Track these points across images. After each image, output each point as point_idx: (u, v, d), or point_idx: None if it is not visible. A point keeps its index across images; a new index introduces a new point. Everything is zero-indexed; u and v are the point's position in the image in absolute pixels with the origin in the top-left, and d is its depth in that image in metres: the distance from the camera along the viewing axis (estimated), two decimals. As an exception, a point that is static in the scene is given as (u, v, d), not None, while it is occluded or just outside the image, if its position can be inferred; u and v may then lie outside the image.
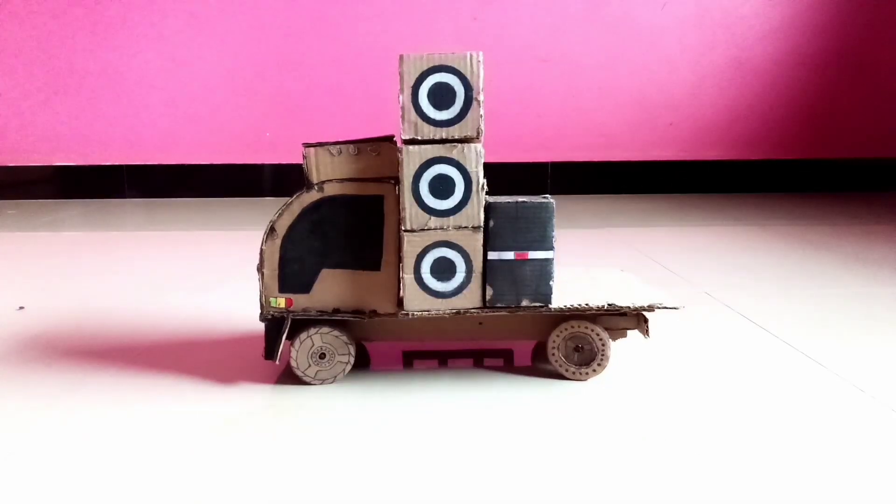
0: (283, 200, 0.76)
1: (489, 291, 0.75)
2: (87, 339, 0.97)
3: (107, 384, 0.80)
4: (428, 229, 0.74)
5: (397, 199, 0.74)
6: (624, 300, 0.78)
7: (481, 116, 0.71)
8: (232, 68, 2.53)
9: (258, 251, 0.76)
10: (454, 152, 0.72)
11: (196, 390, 0.78)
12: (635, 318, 0.81)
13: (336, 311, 0.77)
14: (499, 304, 0.76)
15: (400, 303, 0.77)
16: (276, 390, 0.78)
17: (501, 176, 1.89)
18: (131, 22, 2.50)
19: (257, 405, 0.74)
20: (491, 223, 0.74)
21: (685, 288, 1.22)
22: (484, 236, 0.74)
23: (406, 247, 0.74)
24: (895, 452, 0.64)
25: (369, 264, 0.76)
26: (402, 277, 0.75)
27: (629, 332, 0.82)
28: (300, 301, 0.77)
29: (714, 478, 0.60)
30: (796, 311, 1.08)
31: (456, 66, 0.71)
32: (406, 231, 0.74)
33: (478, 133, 0.72)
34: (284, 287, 0.77)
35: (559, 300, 0.77)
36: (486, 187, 0.73)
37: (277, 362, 0.81)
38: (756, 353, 0.90)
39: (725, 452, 0.64)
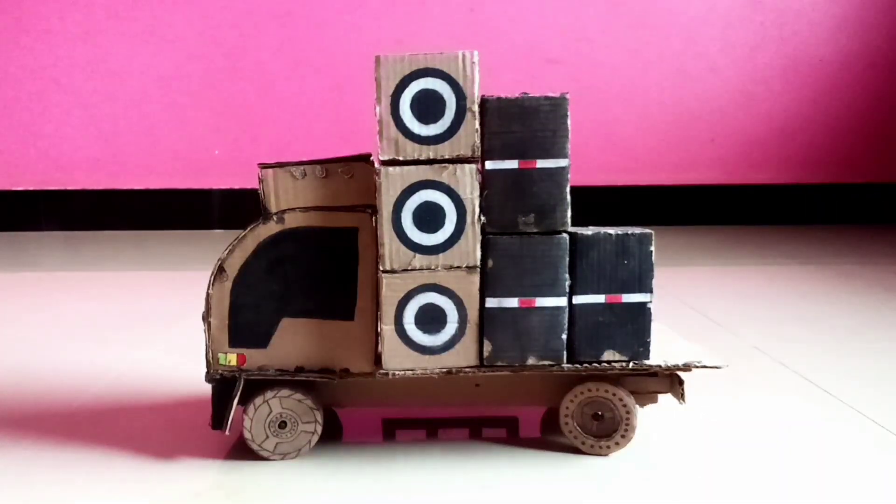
0: (234, 234, 0.77)
1: (487, 346, 0.75)
2: (-9, 405, 0.97)
3: (19, 460, 0.80)
4: (412, 270, 0.74)
5: (374, 233, 0.75)
6: (654, 357, 0.78)
7: (477, 131, 0.72)
8: (171, 72, 2.54)
9: (204, 296, 0.77)
10: (444, 175, 0.73)
11: (129, 467, 0.78)
12: (668, 380, 0.81)
13: (299, 369, 0.78)
14: (499, 363, 0.76)
15: (378, 360, 0.77)
16: (226, 467, 0.78)
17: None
18: (48, 18, 2.51)
19: (203, 485, 0.74)
20: (490, 262, 0.74)
21: (730, 341, 1.22)
22: (481, 278, 0.75)
23: (385, 291, 0.74)
24: None
25: (340, 312, 0.77)
26: (381, 329, 0.75)
27: (660, 396, 0.82)
28: (255, 357, 0.77)
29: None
30: (867, 370, 1.08)
31: (445, 70, 0.72)
32: (385, 272, 0.74)
33: (473, 151, 0.73)
34: (236, 340, 0.77)
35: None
36: (482, 218, 0.74)
37: (228, 433, 0.81)
38: (818, 423, 0.90)
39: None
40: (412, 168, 0.73)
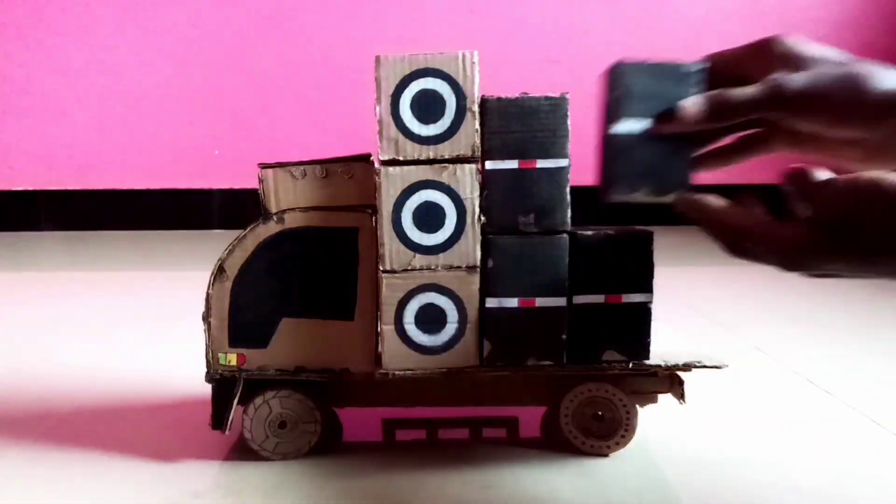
0: (234, 234, 0.77)
1: (487, 346, 0.75)
2: (-9, 405, 0.97)
3: (19, 460, 0.80)
4: (412, 270, 0.74)
5: (374, 233, 0.75)
6: (654, 357, 0.78)
7: (477, 131, 0.72)
8: (172, 72, 2.54)
9: (204, 296, 0.77)
10: (444, 175, 0.73)
11: (129, 467, 0.78)
12: (668, 380, 0.81)
13: (299, 369, 0.78)
14: (499, 363, 0.76)
15: (378, 360, 0.77)
16: (225, 467, 0.78)
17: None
18: (48, 16, 2.51)
19: (203, 486, 0.74)
20: (490, 262, 0.74)
21: (730, 341, 1.22)
22: (481, 278, 0.75)
23: (385, 291, 0.74)
24: None
25: (340, 312, 0.77)
26: (381, 329, 0.75)
27: (660, 396, 0.82)
28: (255, 357, 0.77)
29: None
30: (867, 370, 1.08)
31: (445, 70, 0.72)
32: (385, 272, 0.74)
33: (473, 151, 0.73)
34: (236, 340, 0.77)
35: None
36: (482, 218, 0.74)
37: (228, 432, 0.81)
38: (818, 423, 0.90)
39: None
40: (412, 168, 0.73)
